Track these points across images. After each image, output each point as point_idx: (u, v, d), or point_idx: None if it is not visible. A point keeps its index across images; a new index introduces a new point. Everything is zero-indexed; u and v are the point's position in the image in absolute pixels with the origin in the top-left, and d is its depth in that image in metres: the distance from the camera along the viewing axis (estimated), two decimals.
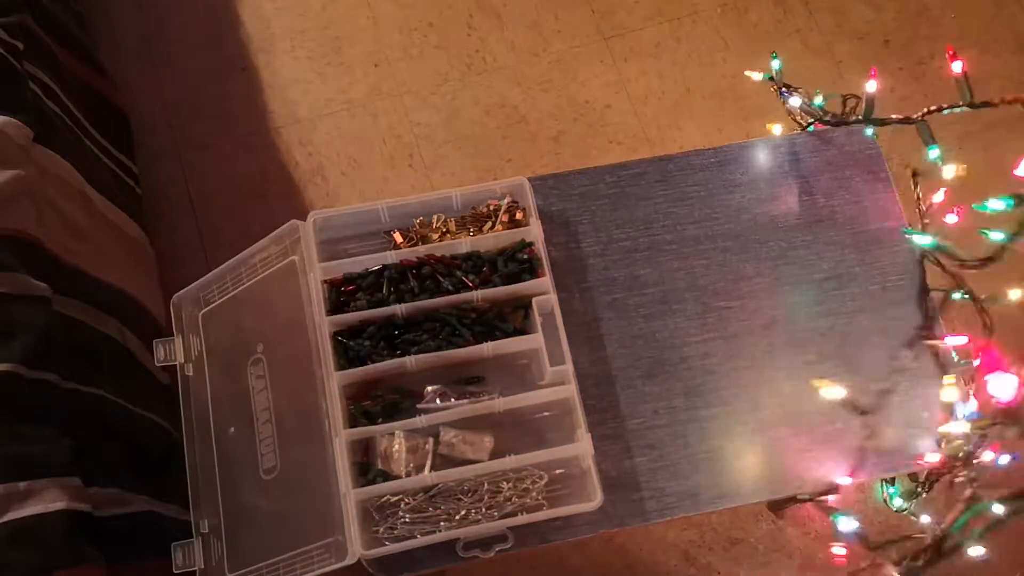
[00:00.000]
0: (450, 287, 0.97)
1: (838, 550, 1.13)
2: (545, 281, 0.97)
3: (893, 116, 1.02)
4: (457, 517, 0.90)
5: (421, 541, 0.87)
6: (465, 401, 0.94)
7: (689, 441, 0.97)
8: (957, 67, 0.91)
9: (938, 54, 1.73)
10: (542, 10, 1.78)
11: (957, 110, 0.93)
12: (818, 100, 1.09)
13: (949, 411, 0.96)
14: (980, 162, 0.99)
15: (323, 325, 0.94)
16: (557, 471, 0.93)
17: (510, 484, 0.92)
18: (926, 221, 1.04)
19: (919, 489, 1.09)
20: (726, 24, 1.76)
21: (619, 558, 1.44)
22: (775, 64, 1.11)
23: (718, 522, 1.46)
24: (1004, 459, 0.89)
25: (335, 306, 0.97)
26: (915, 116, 0.99)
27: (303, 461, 0.94)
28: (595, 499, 0.88)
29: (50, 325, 1.01)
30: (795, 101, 1.09)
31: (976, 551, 0.85)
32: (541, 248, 0.98)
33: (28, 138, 1.07)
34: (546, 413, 0.96)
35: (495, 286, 0.97)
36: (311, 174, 1.65)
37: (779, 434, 0.97)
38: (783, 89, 1.10)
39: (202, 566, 0.93)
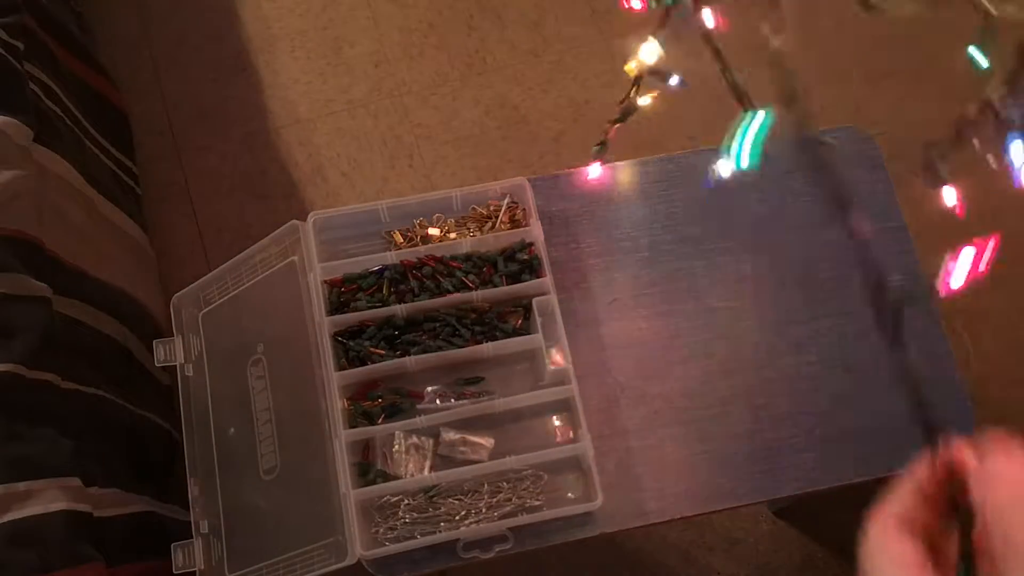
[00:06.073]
0: (450, 287, 0.97)
1: None
2: (545, 281, 0.97)
3: None
4: (457, 517, 0.90)
5: (421, 541, 0.87)
6: (465, 401, 0.94)
7: (689, 441, 0.97)
8: None
9: None
10: (542, 10, 1.78)
11: None
12: None
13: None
14: None
15: (323, 325, 0.94)
16: (557, 471, 0.93)
17: (510, 484, 0.92)
18: None
19: None
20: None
21: (619, 558, 1.44)
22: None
23: (718, 522, 1.46)
24: None
25: (335, 306, 0.97)
26: None
27: (303, 461, 0.94)
28: (595, 499, 0.88)
29: (50, 325, 1.01)
30: None
31: None
32: (541, 248, 0.98)
33: (28, 138, 1.07)
34: (546, 413, 0.96)
35: (495, 286, 0.97)
36: (311, 174, 1.65)
37: (779, 434, 0.97)
38: None
39: (202, 566, 0.93)
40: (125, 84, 1.66)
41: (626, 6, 0.85)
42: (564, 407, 0.96)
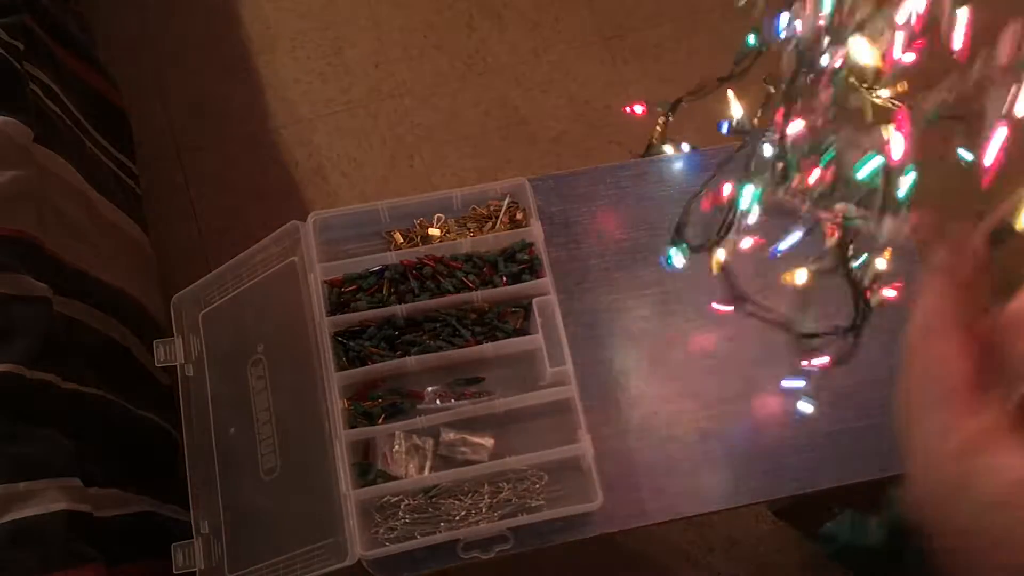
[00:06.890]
0: (450, 287, 0.97)
1: None
2: (545, 282, 0.97)
3: None
4: (457, 518, 0.90)
5: (421, 542, 0.87)
6: (465, 401, 0.94)
7: (689, 441, 0.97)
8: None
9: None
10: (542, 11, 1.78)
11: None
12: None
13: None
14: None
15: (323, 325, 0.94)
16: (557, 471, 0.93)
17: (510, 485, 0.92)
18: None
19: None
20: (726, 24, 1.76)
21: (619, 558, 1.44)
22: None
23: (718, 522, 1.46)
24: None
25: (335, 306, 0.97)
26: None
27: (303, 461, 0.94)
28: (595, 499, 0.88)
29: (50, 326, 1.01)
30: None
31: None
32: (541, 248, 0.98)
33: (28, 138, 1.07)
34: (546, 413, 0.96)
35: (495, 287, 0.97)
36: (311, 174, 1.65)
37: (780, 434, 0.97)
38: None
39: (202, 567, 0.93)
40: (125, 84, 1.66)
41: None
42: (564, 407, 0.96)
